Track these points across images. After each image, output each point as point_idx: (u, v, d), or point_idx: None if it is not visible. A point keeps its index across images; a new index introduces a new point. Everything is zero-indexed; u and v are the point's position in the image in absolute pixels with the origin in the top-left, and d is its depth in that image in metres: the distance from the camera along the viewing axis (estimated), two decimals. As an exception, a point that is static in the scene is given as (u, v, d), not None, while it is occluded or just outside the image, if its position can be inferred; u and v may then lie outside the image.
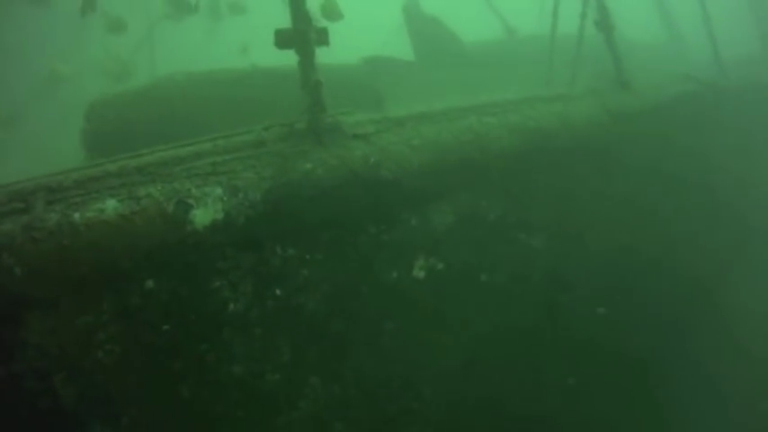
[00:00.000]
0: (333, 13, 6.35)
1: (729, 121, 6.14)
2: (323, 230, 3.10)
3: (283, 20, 3.15)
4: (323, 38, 3.15)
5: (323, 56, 3.11)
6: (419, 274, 3.53)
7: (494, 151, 3.67)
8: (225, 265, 2.86)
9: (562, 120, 4.10)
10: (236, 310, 2.93)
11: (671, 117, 5.19)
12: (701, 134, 5.63)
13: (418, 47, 6.24)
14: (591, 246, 4.61)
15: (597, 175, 4.54)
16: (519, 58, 5.98)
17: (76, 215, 2.52)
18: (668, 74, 5.91)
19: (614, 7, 9.97)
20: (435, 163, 3.32)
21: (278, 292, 3.04)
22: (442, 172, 3.40)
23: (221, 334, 2.94)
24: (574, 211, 4.46)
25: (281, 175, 2.83)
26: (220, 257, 2.84)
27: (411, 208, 3.40)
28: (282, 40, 3.06)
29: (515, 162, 3.89)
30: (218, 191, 2.71)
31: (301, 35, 3.05)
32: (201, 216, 2.67)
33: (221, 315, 2.91)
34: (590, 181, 4.52)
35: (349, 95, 4.89)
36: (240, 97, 4.71)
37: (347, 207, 3.09)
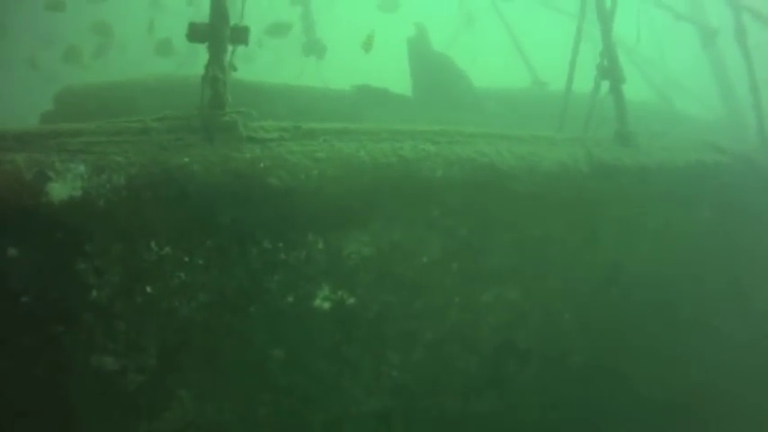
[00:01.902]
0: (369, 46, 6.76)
1: (764, 200, 5.92)
2: (205, 234, 3.21)
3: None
4: (240, 36, 3.33)
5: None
6: (322, 304, 3.56)
7: (426, 181, 3.68)
8: (92, 248, 3.00)
9: (527, 162, 4.05)
10: (100, 298, 3.05)
11: (679, 183, 5.05)
12: (721, 209, 5.45)
13: (418, 83, 6.38)
14: (557, 311, 4.50)
15: (570, 229, 4.44)
16: (538, 109, 5.99)
17: None
18: (694, 140, 5.79)
19: (676, 81, 10.02)
20: (342, 181, 3.38)
21: (148, 289, 3.15)
22: (354, 193, 3.46)
23: (81, 319, 3.06)
24: (539, 268, 4.36)
25: (151, 164, 2.98)
26: (88, 240, 2.99)
27: (318, 229, 3.47)
28: (196, 33, 3.27)
29: (461, 199, 3.87)
30: (82, 168, 2.87)
31: (215, 31, 3.23)
32: (58, 190, 2.84)
33: (83, 299, 3.03)
34: (562, 236, 4.41)
35: (325, 119, 5.07)
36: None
37: (231, 212, 3.18)
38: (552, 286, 4.43)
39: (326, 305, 3.57)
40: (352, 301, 3.64)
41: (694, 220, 5.32)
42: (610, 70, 5.03)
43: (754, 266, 5.92)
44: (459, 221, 3.92)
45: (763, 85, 7.32)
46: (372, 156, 3.50)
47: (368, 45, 7.47)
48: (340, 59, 8.63)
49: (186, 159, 3.06)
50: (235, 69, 3.68)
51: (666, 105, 9.27)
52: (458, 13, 10.40)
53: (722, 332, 5.54)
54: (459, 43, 11.02)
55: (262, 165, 3.19)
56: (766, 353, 5.82)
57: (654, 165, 4.94)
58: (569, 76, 5.63)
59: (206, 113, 3.21)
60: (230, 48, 3.45)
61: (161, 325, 3.23)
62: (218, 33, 3.26)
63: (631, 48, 10.15)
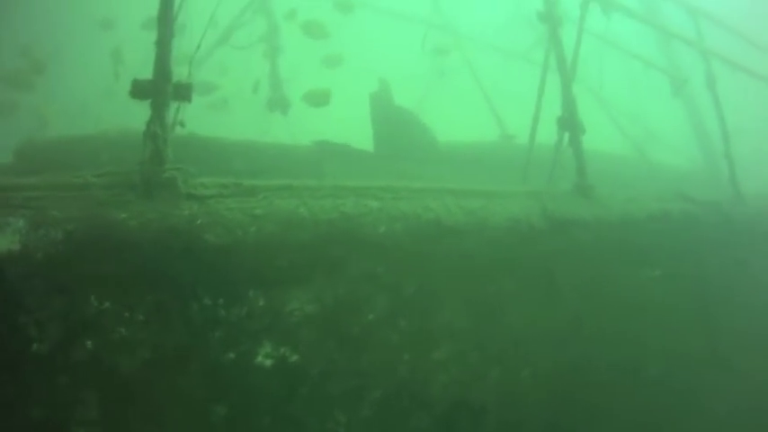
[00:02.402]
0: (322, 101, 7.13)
1: (737, 251, 6.01)
2: (145, 289, 3.30)
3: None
4: (183, 93, 3.49)
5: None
6: (264, 362, 3.64)
7: (368, 237, 3.80)
8: (32, 302, 3.10)
9: (477, 217, 4.17)
10: (41, 351, 3.14)
11: (641, 234, 5.15)
12: (689, 259, 5.55)
13: (379, 138, 6.55)
14: (514, 368, 4.56)
15: (526, 284, 4.53)
16: (506, 162, 6.14)
17: None
18: (662, 190, 5.95)
19: (653, 131, 10.32)
20: (281, 238, 3.50)
21: (89, 344, 3.23)
22: (295, 250, 3.57)
23: (23, 372, 3.16)
24: (494, 325, 4.44)
25: (89, 219, 3.10)
26: (28, 293, 3.09)
27: (258, 286, 3.57)
28: (138, 90, 3.42)
29: (407, 255, 3.97)
30: (21, 223, 2.99)
31: (158, 88, 3.39)
32: None
33: (24, 352, 3.13)
34: (517, 291, 4.50)
35: (285, 175, 5.21)
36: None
37: (170, 268, 3.29)
38: (508, 343, 4.50)
39: (268, 362, 3.65)
40: (295, 358, 3.72)
41: (660, 272, 5.41)
42: (569, 122, 5.19)
43: (726, 319, 6.00)
44: (405, 278, 4.02)
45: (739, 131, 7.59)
46: (312, 212, 3.62)
47: (319, 100, 7.93)
48: (312, 115, 8.93)
49: (124, 215, 3.19)
50: (183, 126, 3.84)
51: (641, 156, 9.52)
52: (429, 67, 10.75)
53: (694, 394, 5.58)
54: (430, 96, 11.39)
55: (199, 221, 3.31)
56: (743, 418, 5.87)
57: (614, 217, 5.05)
58: (533, 129, 5.81)
59: (146, 170, 3.35)
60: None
61: (102, 379, 3.31)
62: (160, 90, 3.43)
63: (608, 100, 10.49)
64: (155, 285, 3.33)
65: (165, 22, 3.49)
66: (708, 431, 5.64)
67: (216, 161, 4.45)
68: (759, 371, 6.12)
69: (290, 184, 3.69)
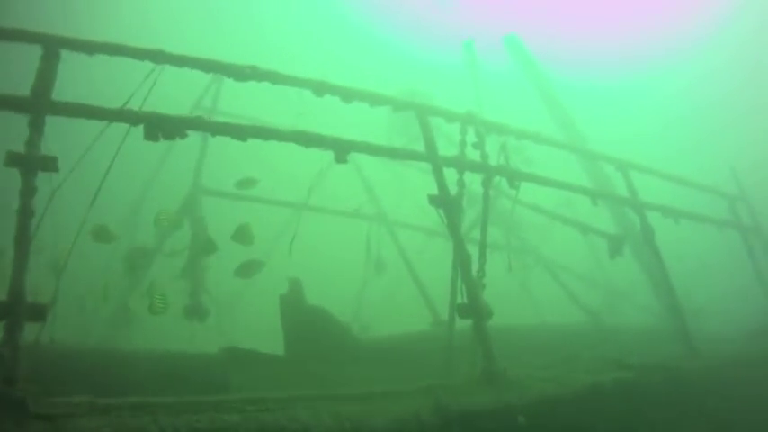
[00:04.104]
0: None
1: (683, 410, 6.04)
2: None
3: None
4: (38, 314, 3.78)
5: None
6: None
7: None
8: None
9: (351, 423, 4.26)
10: None
11: (564, 413, 5.25)
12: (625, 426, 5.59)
13: (291, 340, 6.74)
14: None
15: None
16: (432, 350, 6.30)
17: None
18: (598, 359, 6.11)
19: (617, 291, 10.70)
20: None
21: None
22: None
23: None
24: None
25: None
26: None
27: None
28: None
29: None
30: None
31: (10, 309, 3.70)
32: None
33: None
34: None
35: (193, 383, 5.40)
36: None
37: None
38: None
39: None
40: None
41: None
42: (471, 308, 5.42)
43: None
44: None
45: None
46: (163, 430, 3.72)
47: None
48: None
49: None
50: (53, 341, 4.10)
51: (595, 322, 9.76)
52: (367, 259, 11.19)
53: None
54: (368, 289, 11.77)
55: None
56: None
57: (526, 401, 5.14)
58: (450, 316, 6.01)
59: (-8, 389, 3.57)
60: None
61: None
62: (12, 311, 3.72)
63: (566, 267, 10.84)
64: None
65: (22, 244, 3.83)
66: None
67: (122, 371, 4.66)
68: None
69: (145, 402, 3.87)
